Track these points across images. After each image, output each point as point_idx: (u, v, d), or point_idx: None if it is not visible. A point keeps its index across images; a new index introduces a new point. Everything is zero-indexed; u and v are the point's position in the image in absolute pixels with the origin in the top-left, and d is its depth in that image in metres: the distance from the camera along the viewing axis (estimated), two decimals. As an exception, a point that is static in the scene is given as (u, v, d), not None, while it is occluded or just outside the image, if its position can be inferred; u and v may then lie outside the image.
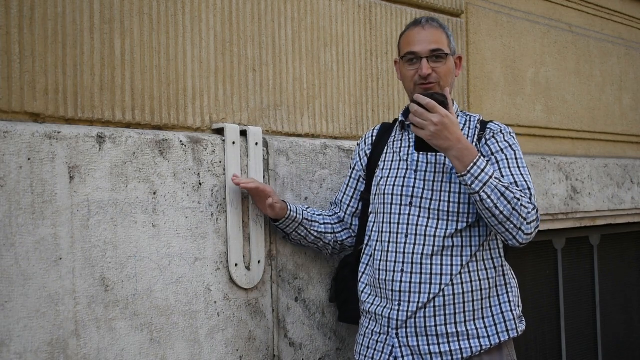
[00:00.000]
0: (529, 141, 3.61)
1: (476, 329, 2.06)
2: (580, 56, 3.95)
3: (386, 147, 2.28)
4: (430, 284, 2.06)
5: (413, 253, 2.08)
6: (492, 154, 2.11)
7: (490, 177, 1.96)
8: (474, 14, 3.35)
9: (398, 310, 2.08)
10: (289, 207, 2.27)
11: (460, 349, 2.05)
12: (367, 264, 2.23)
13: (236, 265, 2.25)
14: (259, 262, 2.31)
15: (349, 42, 2.75)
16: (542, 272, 3.79)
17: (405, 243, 2.10)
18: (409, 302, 2.07)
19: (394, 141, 2.27)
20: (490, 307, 2.09)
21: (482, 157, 1.98)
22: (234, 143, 2.27)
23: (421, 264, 2.07)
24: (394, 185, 2.16)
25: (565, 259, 3.89)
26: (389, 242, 2.13)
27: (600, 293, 4.12)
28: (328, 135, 2.66)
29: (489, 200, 1.96)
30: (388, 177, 2.19)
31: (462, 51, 3.24)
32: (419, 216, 2.10)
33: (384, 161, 2.25)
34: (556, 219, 3.56)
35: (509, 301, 2.12)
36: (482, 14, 3.40)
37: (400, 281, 2.08)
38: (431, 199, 2.10)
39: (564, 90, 3.83)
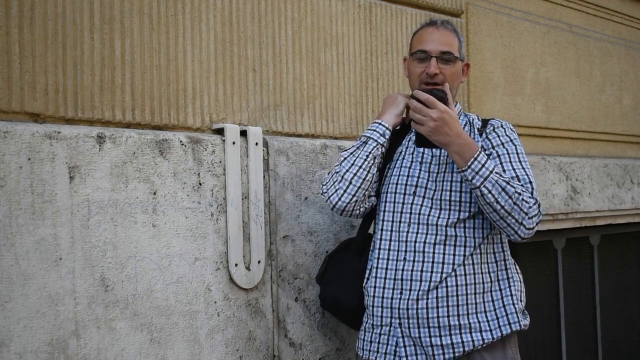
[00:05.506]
0: (529, 141, 3.61)
1: (478, 322, 2.07)
2: (580, 56, 3.95)
3: (399, 145, 2.27)
4: (432, 272, 2.06)
5: (416, 242, 2.09)
6: (493, 147, 2.12)
7: (491, 172, 1.96)
8: (474, 14, 3.35)
9: (400, 298, 2.08)
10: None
11: (462, 342, 2.05)
12: (374, 266, 2.19)
13: (236, 265, 2.24)
14: (259, 262, 2.31)
15: (349, 42, 2.75)
16: (542, 272, 3.79)
17: (408, 232, 2.11)
18: (410, 290, 2.07)
19: (403, 136, 2.27)
20: (492, 300, 2.10)
21: (482, 152, 1.99)
22: (234, 143, 2.27)
23: (424, 252, 2.08)
24: (399, 176, 2.17)
25: (565, 259, 3.89)
26: (391, 231, 2.14)
27: (600, 293, 4.11)
28: (328, 135, 2.66)
29: (489, 195, 1.96)
30: (394, 167, 2.21)
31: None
32: (422, 205, 2.11)
33: (392, 154, 2.25)
34: (556, 219, 3.56)
35: (511, 295, 2.13)
36: (482, 14, 3.40)
37: (403, 269, 2.09)
38: (435, 189, 2.11)
39: (564, 90, 3.83)
